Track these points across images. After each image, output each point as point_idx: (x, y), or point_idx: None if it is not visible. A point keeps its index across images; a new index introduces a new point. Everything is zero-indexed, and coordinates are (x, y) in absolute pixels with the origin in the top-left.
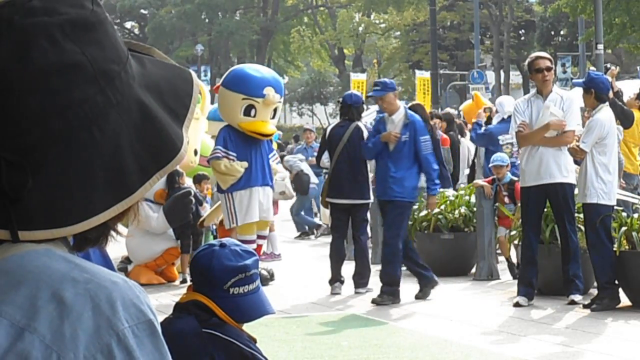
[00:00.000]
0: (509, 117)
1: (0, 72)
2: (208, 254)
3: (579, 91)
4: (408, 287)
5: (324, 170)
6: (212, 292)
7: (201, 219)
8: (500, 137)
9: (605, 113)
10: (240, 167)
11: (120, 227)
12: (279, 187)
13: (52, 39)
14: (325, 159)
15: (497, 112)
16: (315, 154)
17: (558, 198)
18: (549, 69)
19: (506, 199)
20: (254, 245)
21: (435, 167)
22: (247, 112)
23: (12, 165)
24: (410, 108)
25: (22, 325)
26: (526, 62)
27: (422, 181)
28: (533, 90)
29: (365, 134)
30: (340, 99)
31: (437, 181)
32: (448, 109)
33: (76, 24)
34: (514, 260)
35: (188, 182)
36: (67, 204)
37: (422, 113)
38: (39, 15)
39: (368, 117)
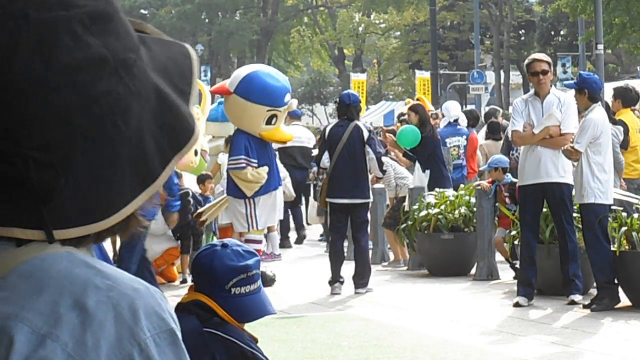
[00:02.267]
0: (455, 120)
1: (25, 72)
2: (210, 254)
3: (572, 93)
4: (407, 287)
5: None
6: (214, 292)
7: (199, 213)
8: (447, 140)
9: (598, 113)
10: (265, 172)
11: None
12: None
13: (74, 34)
14: (326, 159)
15: (443, 116)
16: None
17: (555, 198)
18: (544, 72)
19: (507, 200)
20: (261, 246)
21: (175, 180)
22: (269, 121)
23: (41, 165)
24: (410, 108)
25: (44, 333)
26: (524, 64)
27: (421, 181)
28: (531, 91)
29: (365, 134)
30: (337, 99)
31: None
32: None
33: (94, 16)
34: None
35: (188, 182)
36: (98, 198)
37: (422, 112)
38: (55, 10)
39: (368, 117)
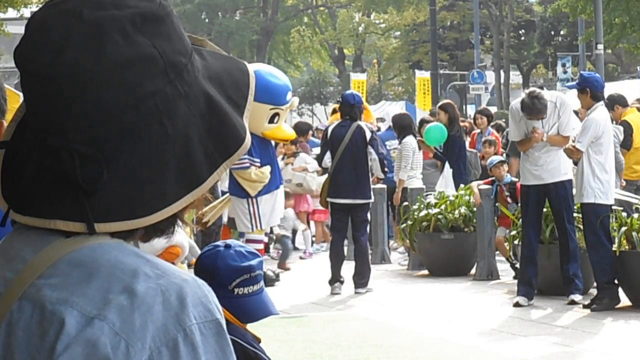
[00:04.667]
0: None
1: (74, 66)
2: (213, 254)
3: (572, 94)
4: (407, 287)
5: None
6: (217, 292)
7: (200, 214)
8: (387, 142)
9: (600, 112)
10: (268, 172)
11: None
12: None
13: (125, 32)
14: (327, 159)
15: (383, 120)
16: None
17: (558, 197)
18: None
19: (508, 199)
20: (262, 246)
21: None
22: (271, 120)
23: (86, 158)
24: (440, 107)
25: (93, 315)
26: (522, 101)
27: (447, 186)
28: None
29: (368, 134)
30: (340, 99)
31: None
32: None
33: (146, 17)
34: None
35: None
36: (140, 195)
37: (451, 112)
38: (108, 9)
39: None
